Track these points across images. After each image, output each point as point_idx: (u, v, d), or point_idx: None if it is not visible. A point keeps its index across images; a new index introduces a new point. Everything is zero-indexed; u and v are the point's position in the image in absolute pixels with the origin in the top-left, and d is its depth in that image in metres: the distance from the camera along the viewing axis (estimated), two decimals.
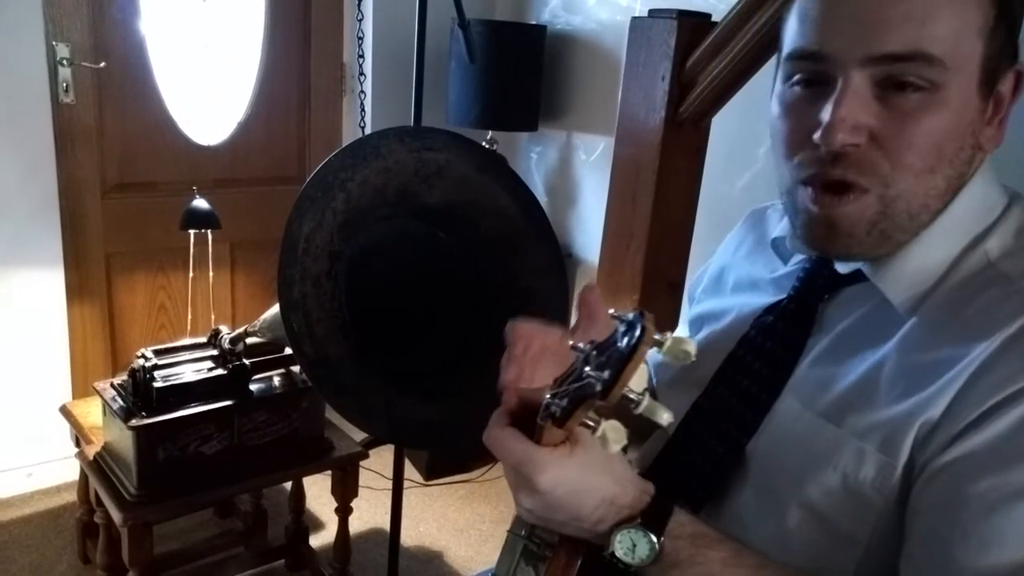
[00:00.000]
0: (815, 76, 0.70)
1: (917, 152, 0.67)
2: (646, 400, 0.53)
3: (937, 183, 0.70)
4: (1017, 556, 0.61)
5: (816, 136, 0.68)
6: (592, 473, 0.65)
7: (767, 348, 0.82)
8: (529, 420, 0.65)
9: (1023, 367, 0.63)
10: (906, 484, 0.68)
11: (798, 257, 0.86)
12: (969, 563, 0.62)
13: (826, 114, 0.67)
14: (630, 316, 0.52)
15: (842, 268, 0.78)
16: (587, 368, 0.53)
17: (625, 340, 0.51)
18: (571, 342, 0.61)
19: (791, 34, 0.72)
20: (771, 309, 0.84)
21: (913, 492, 0.67)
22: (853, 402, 0.72)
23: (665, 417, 0.54)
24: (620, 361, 0.50)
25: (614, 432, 0.55)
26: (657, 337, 0.50)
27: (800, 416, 0.75)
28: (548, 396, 0.60)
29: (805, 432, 0.74)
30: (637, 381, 0.53)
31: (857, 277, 0.77)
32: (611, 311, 0.55)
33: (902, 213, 0.70)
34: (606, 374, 0.51)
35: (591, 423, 0.55)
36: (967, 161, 0.71)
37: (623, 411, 0.55)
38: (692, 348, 0.51)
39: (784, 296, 0.84)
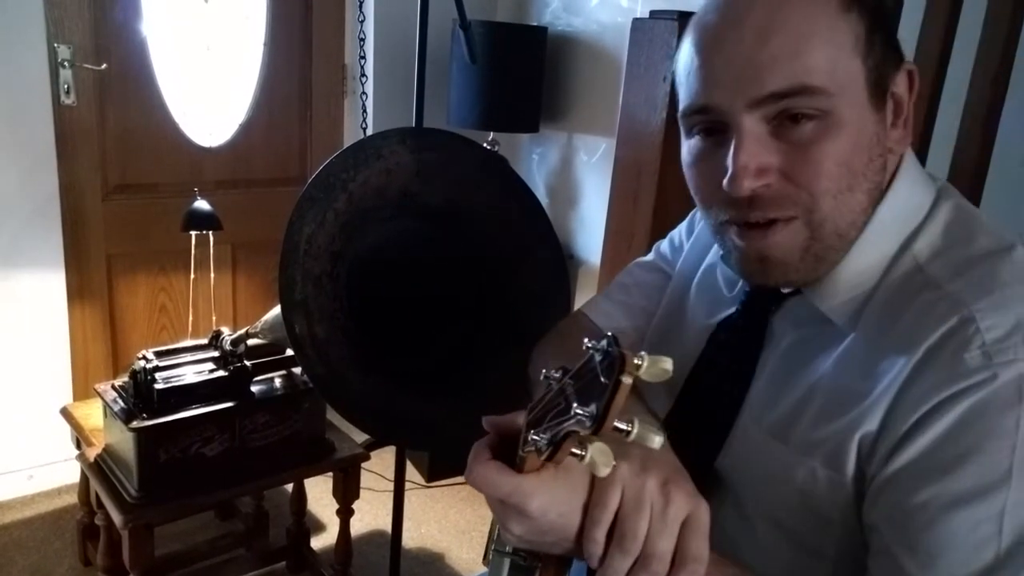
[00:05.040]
0: (712, 126, 0.72)
1: (827, 176, 0.68)
2: (636, 427, 0.53)
3: (859, 199, 0.70)
4: (964, 563, 0.61)
5: (724, 184, 0.69)
6: (578, 493, 0.64)
7: (723, 364, 0.82)
8: (507, 448, 0.65)
9: (947, 376, 0.63)
10: (859, 498, 0.68)
11: None
12: (919, 575, 0.63)
13: (728, 163, 0.68)
14: (603, 344, 0.52)
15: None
16: (573, 404, 0.53)
17: (604, 370, 0.51)
18: (543, 370, 0.61)
19: (681, 91, 0.74)
20: (724, 324, 0.85)
21: (865, 507, 0.67)
22: (798, 419, 0.72)
23: (657, 441, 0.54)
24: (605, 393, 0.50)
25: (602, 456, 0.55)
26: (636, 362, 0.49)
27: (755, 435, 0.76)
28: (528, 428, 0.59)
29: (761, 451, 0.75)
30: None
31: (798, 290, 0.77)
32: (585, 341, 0.54)
33: (831, 235, 0.71)
34: (593, 408, 0.51)
35: (578, 452, 0.55)
36: (880, 169, 0.72)
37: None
38: (669, 366, 0.50)
39: (734, 310, 0.84)
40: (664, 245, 1.06)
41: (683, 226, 1.04)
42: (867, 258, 0.73)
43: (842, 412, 0.69)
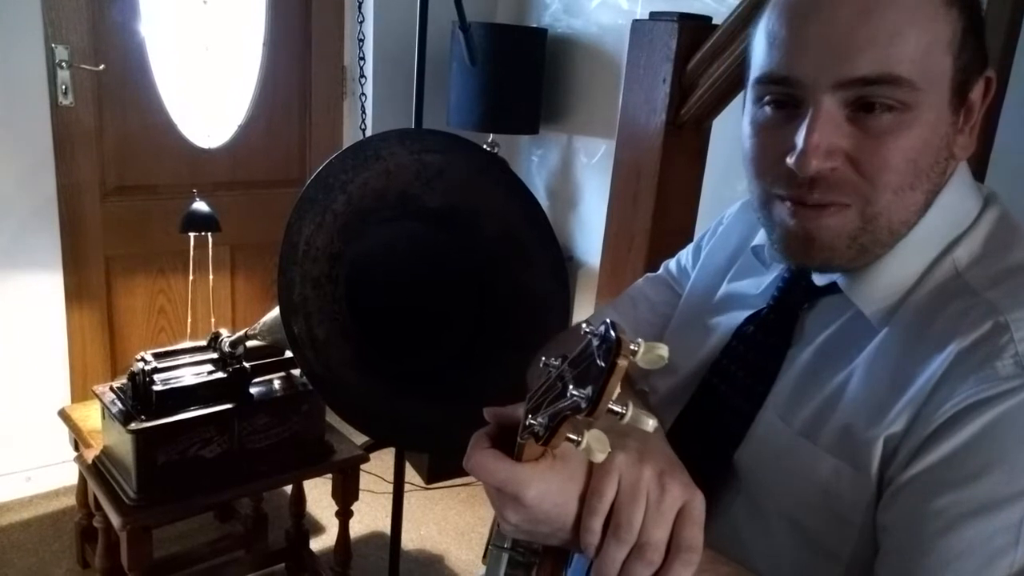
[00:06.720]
0: (785, 98, 0.70)
1: (894, 171, 0.67)
2: (630, 410, 0.53)
3: (917, 198, 0.70)
4: (976, 572, 0.61)
5: (790, 161, 0.68)
6: (575, 483, 0.64)
7: (749, 358, 0.82)
8: (507, 438, 0.65)
9: (976, 381, 0.62)
10: (880, 500, 0.68)
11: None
12: None
13: (799, 139, 0.67)
14: (601, 329, 0.52)
15: (819, 280, 0.78)
16: (569, 386, 0.53)
17: (601, 354, 0.51)
18: (543, 357, 0.61)
19: (759, 57, 0.72)
20: (752, 319, 0.84)
21: (879, 508, 0.67)
22: (826, 417, 0.72)
23: (650, 424, 0.54)
24: (601, 376, 0.50)
25: (598, 443, 0.55)
26: (632, 347, 0.50)
27: (780, 431, 0.75)
28: (526, 414, 0.60)
29: (785, 448, 0.74)
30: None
31: (834, 287, 0.77)
32: (583, 325, 0.55)
33: (883, 229, 0.70)
34: (589, 390, 0.51)
35: (574, 437, 0.55)
36: (941, 173, 0.71)
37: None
38: (665, 352, 0.51)
39: (764, 306, 0.83)
40: (672, 264, 1.06)
41: (689, 249, 1.03)
42: (910, 260, 0.72)
43: (870, 412, 0.68)
